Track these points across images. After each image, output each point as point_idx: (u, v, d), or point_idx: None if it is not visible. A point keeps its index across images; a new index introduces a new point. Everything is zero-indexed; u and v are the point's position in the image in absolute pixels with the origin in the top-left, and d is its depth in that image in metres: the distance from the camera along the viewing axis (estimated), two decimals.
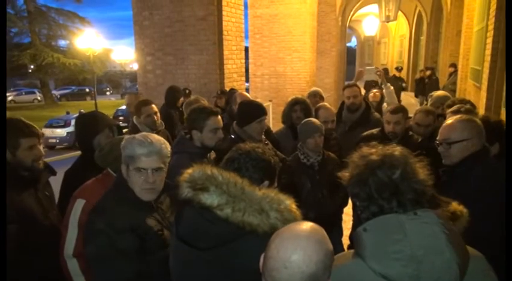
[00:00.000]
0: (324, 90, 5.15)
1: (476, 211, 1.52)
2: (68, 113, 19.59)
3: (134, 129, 3.30)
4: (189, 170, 1.47)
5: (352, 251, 1.22)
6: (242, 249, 1.34)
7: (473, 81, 7.12)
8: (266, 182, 1.55)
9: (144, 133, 1.87)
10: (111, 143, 2.07)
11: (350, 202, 3.64)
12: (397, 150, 1.27)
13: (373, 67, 6.01)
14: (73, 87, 38.71)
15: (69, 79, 35.84)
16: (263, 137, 2.88)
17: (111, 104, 29.14)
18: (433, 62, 16.12)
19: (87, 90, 37.68)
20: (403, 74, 15.70)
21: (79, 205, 1.90)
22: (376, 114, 3.92)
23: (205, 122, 2.37)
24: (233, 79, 6.28)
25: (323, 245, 1.02)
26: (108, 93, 44.06)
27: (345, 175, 1.31)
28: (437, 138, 2.07)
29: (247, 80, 11.10)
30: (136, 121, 3.37)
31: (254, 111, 2.79)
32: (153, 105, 3.43)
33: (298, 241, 1.00)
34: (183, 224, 1.48)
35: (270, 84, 10.64)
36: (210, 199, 1.38)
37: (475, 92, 6.93)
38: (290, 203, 1.41)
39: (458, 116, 2.06)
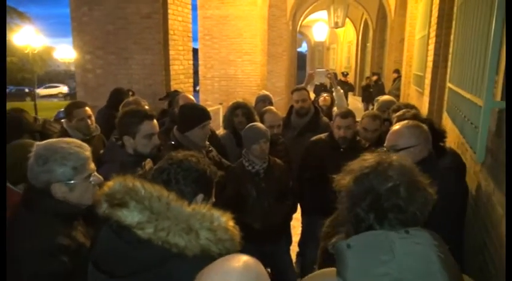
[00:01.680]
0: (275, 94, 5.07)
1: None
2: None
3: (64, 135, 2.97)
4: (110, 183, 1.26)
5: (333, 270, 1.06)
6: (168, 274, 1.16)
7: (416, 87, 7.38)
8: (200, 196, 1.37)
9: (64, 139, 1.63)
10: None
11: (299, 208, 3.58)
12: (395, 158, 1.13)
13: (324, 70, 6.00)
14: (10, 87, 36.03)
15: (7, 79, 33.36)
16: (207, 143, 2.68)
17: (53, 105, 27.44)
18: (379, 68, 16.76)
19: (27, 90, 35.28)
20: (351, 79, 16.17)
21: None
22: (325, 118, 3.86)
23: (138, 127, 2.12)
24: (180, 81, 6.02)
25: None
26: None
27: (343, 180, 1.15)
28: (385, 144, 2.00)
29: (197, 83, 10.85)
30: (67, 125, 3.02)
31: (196, 115, 2.58)
32: (87, 108, 3.10)
33: None
34: (98, 248, 1.27)
35: (220, 87, 10.46)
36: (130, 216, 1.18)
37: (418, 97, 7.18)
38: (226, 220, 1.23)
39: (405, 121, 2.01)
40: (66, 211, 1.53)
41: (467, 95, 2.31)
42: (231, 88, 10.37)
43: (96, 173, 1.61)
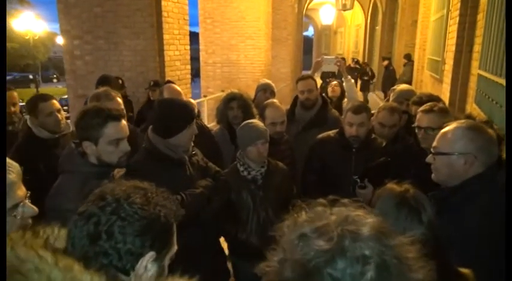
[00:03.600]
0: (279, 81, 4.63)
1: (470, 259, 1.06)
2: None
3: (27, 135, 2.53)
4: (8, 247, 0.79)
5: None
6: None
7: (431, 73, 6.87)
8: (149, 255, 0.88)
9: None
10: None
11: None
12: (367, 222, 0.68)
13: (333, 57, 5.44)
14: (15, 74, 35.73)
15: (9, 65, 33.03)
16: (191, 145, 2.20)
17: (57, 92, 27.09)
18: (388, 53, 16.05)
19: (31, 77, 34.96)
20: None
21: None
22: (335, 111, 3.38)
23: (101, 131, 1.65)
24: (176, 67, 5.55)
25: None
26: (54, 80, 41.24)
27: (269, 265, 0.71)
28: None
29: (198, 69, 10.35)
30: (31, 123, 2.55)
31: (182, 117, 2.03)
32: (54, 101, 2.63)
33: None
34: None
35: (222, 74, 9.98)
36: None
37: (433, 83, 6.68)
38: None
39: (461, 121, 1.54)
40: None
41: None
42: (234, 74, 9.89)
43: (27, 201, 1.18)
